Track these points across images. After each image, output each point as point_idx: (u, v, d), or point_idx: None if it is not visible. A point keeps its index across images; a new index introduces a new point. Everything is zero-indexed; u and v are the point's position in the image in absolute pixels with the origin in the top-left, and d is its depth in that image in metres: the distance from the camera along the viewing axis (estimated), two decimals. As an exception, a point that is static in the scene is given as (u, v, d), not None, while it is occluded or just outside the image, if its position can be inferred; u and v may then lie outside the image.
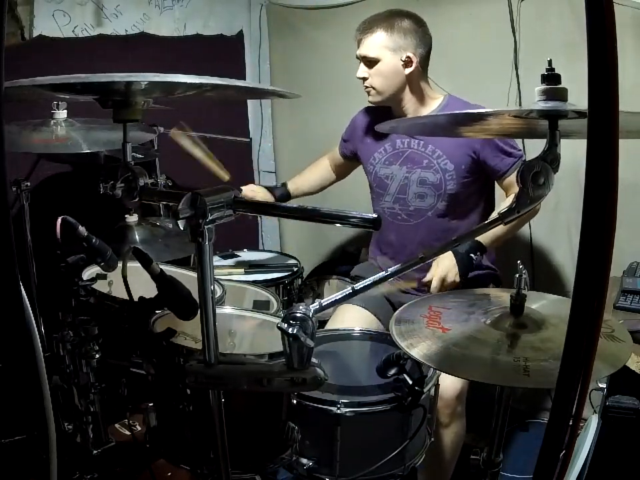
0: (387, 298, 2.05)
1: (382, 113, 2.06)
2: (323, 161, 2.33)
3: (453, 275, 1.80)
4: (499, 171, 1.91)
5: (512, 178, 1.89)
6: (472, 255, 1.82)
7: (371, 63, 1.90)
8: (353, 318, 1.90)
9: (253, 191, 2.17)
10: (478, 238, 1.82)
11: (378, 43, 1.87)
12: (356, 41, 1.92)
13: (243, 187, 2.13)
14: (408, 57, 1.88)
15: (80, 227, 1.25)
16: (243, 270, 2.17)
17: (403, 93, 1.95)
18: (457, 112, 1.05)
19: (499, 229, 1.82)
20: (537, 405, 2.47)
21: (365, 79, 1.92)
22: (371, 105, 2.09)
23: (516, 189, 1.92)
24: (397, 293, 2.05)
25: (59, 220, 1.24)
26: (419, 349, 1.09)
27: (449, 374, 1.10)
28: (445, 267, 1.80)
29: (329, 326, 1.89)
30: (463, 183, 1.93)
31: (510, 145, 1.91)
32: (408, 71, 1.90)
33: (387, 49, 1.87)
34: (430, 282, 1.80)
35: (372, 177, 2.07)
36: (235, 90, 1.24)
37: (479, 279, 2.00)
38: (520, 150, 1.93)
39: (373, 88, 1.93)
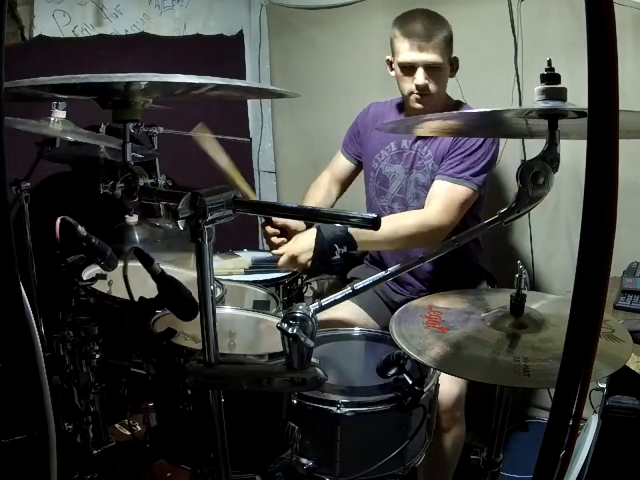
0: (381, 297, 2.05)
1: (392, 111, 2.06)
2: (321, 180, 2.20)
3: (305, 259, 1.66)
4: (441, 169, 1.86)
5: (434, 185, 1.85)
6: (336, 245, 1.63)
7: (432, 69, 1.82)
8: (345, 314, 1.90)
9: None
10: (353, 233, 1.64)
11: (442, 48, 1.80)
12: (412, 46, 1.80)
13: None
14: (456, 60, 1.88)
15: (79, 226, 1.25)
16: (242, 270, 2.17)
17: (444, 98, 1.93)
18: (454, 112, 1.05)
19: (376, 235, 1.70)
20: (537, 405, 2.47)
21: (423, 86, 1.83)
22: (379, 102, 2.10)
23: (432, 203, 1.83)
24: (390, 292, 2.06)
25: (58, 220, 1.24)
26: (418, 350, 1.09)
27: (449, 374, 1.10)
28: (299, 247, 1.68)
29: (321, 319, 1.87)
30: None
31: (471, 164, 1.83)
32: (453, 75, 1.90)
33: (446, 55, 1.83)
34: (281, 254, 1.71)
35: (375, 174, 2.05)
36: (235, 90, 1.24)
37: (468, 279, 2.01)
38: (471, 181, 1.83)
39: (431, 95, 1.85)
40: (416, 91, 1.85)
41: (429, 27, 1.79)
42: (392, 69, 1.94)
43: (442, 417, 1.64)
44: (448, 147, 1.88)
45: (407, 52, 1.81)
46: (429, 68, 1.81)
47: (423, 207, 1.93)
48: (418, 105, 1.87)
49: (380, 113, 2.09)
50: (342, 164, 2.19)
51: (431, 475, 1.73)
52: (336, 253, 1.61)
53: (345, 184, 2.21)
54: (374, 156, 2.05)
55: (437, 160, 1.91)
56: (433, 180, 1.90)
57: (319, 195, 2.15)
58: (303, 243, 1.67)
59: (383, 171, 2.03)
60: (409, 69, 1.83)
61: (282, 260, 1.70)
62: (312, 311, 0.87)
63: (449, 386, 1.60)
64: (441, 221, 1.79)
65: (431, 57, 1.80)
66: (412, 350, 1.09)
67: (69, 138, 1.82)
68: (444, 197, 1.82)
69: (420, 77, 1.82)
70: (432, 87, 1.84)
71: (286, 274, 2.12)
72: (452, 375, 1.12)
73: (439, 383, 1.46)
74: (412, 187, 1.97)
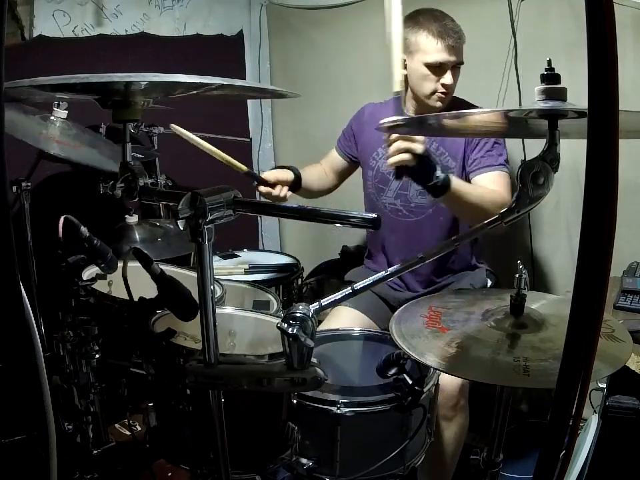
0: (383, 298, 2.05)
1: (389, 110, 2.05)
2: (318, 165, 2.23)
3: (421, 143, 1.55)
4: (473, 166, 1.89)
5: (479, 180, 1.86)
6: (438, 167, 1.58)
7: (456, 69, 1.85)
8: (346, 321, 1.89)
9: (272, 173, 1.95)
10: (453, 182, 1.58)
11: (463, 47, 1.84)
12: (446, 46, 1.80)
13: (263, 175, 1.92)
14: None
15: (82, 227, 1.25)
16: (243, 270, 2.17)
17: None
18: (459, 111, 1.04)
19: (470, 195, 1.66)
20: (537, 405, 2.47)
21: (450, 86, 1.85)
22: (375, 103, 2.10)
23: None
24: (392, 292, 2.06)
25: (61, 219, 1.24)
26: (418, 349, 1.09)
27: (449, 374, 1.10)
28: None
29: (322, 328, 1.88)
30: (462, 179, 1.93)
31: (499, 153, 1.88)
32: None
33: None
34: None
35: (374, 172, 2.04)
36: (235, 89, 1.24)
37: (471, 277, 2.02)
38: (506, 166, 1.88)
39: (451, 93, 1.88)
40: (441, 90, 1.85)
41: (457, 28, 1.82)
42: (404, 67, 1.87)
43: (447, 405, 1.64)
44: (463, 143, 1.90)
45: (439, 52, 1.80)
46: (454, 67, 1.84)
47: (430, 204, 1.95)
48: (439, 104, 1.89)
49: (377, 113, 2.07)
50: (335, 158, 2.20)
51: (433, 469, 1.73)
52: (435, 173, 1.55)
53: (338, 176, 2.21)
54: (371, 154, 2.04)
55: (455, 156, 1.92)
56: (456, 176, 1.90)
57: (315, 171, 2.16)
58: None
59: (381, 168, 2.02)
60: (437, 68, 1.83)
61: (398, 143, 1.53)
62: (312, 310, 0.87)
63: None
64: (506, 198, 1.78)
65: (460, 57, 1.84)
66: (412, 350, 1.09)
67: (62, 154, 1.81)
68: (495, 184, 1.84)
69: (449, 77, 1.83)
70: (454, 86, 1.88)
71: (286, 274, 2.12)
72: (452, 375, 1.12)
73: (439, 382, 1.46)
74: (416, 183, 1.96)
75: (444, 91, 1.85)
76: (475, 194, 1.72)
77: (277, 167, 2.07)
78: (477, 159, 1.89)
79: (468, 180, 1.95)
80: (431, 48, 1.81)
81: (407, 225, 2.01)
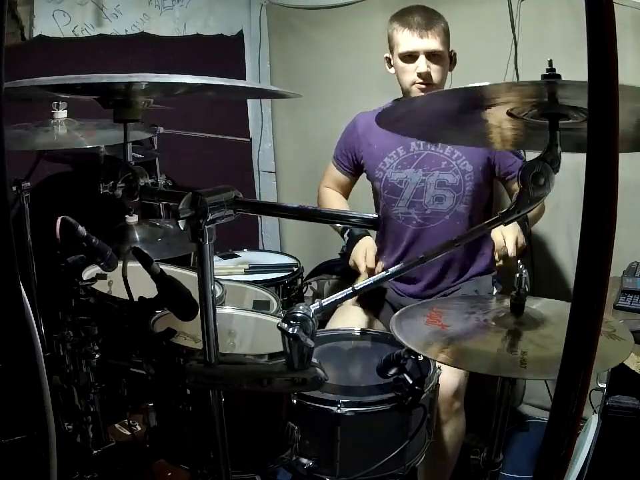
0: (389, 301, 2.04)
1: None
2: (330, 192, 2.19)
3: (522, 237, 1.69)
4: (511, 173, 1.91)
5: None
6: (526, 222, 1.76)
7: (434, 58, 1.84)
8: (353, 319, 1.88)
9: (372, 260, 1.87)
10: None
11: (442, 37, 1.83)
12: (412, 34, 1.82)
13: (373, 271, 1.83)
14: (454, 53, 1.90)
15: (79, 226, 1.25)
16: (243, 270, 2.17)
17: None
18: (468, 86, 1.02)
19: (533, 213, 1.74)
20: (537, 405, 2.47)
21: (426, 74, 1.84)
22: (368, 112, 2.06)
23: None
24: (397, 296, 2.05)
25: (58, 220, 1.24)
26: (418, 343, 1.10)
27: (449, 365, 1.11)
28: (511, 231, 1.67)
29: (329, 327, 1.88)
30: (480, 183, 1.93)
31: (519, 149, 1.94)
32: (451, 69, 1.91)
33: (446, 45, 1.86)
34: (500, 255, 1.66)
35: (382, 183, 1.99)
36: (235, 90, 1.24)
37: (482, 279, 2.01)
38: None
39: (433, 84, 1.86)
40: (419, 80, 1.85)
41: (427, 17, 1.84)
42: (391, 66, 1.94)
43: (441, 408, 1.63)
44: (483, 149, 1.90)
45: (407, 40, 1.83)
46: (431, 56, 1.83)
47: (447, 209, 1.93)
48: (421, 95, 1.86)
49: (372, 121, 2.04)
50: (340, 177, 2.16)
51: (431, 471, 1.73)
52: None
53: (348, 191, 2.22)
54: (377, 165, 2.00)
55: (472, 160, 1.91)
56: (469, 180, 1.91)
57: (341, 201, 2.17)
58: (511, 229, 1.66)
59: (390, 178, 1.97)
60: (410, 57, 1.85)
61: (510, 249, 1.62)
62: (312, 310, 0.87)
63: (447, 377, 1.58)
64: None
65: (432, 43, 1.82)
66: (411, 343, 1.10)
67: (83, 145, 1.82)
68: None
69: (422, 64, 1.83)
70: (434, 76, 1.85)
71: (286, 274, 2.12)
72: (451, 366, 1.13)
73: (439, 382, 1.46)
74: (432, 189, 1.93)
75: (421, 80, 1.85)
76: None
77: (348, 243, 1.95)
78: (511, 164, 1.92)
79: (503, 181, 1.99)
80: (401, 38, 1.85)
81: (421, 233, 1.97)
